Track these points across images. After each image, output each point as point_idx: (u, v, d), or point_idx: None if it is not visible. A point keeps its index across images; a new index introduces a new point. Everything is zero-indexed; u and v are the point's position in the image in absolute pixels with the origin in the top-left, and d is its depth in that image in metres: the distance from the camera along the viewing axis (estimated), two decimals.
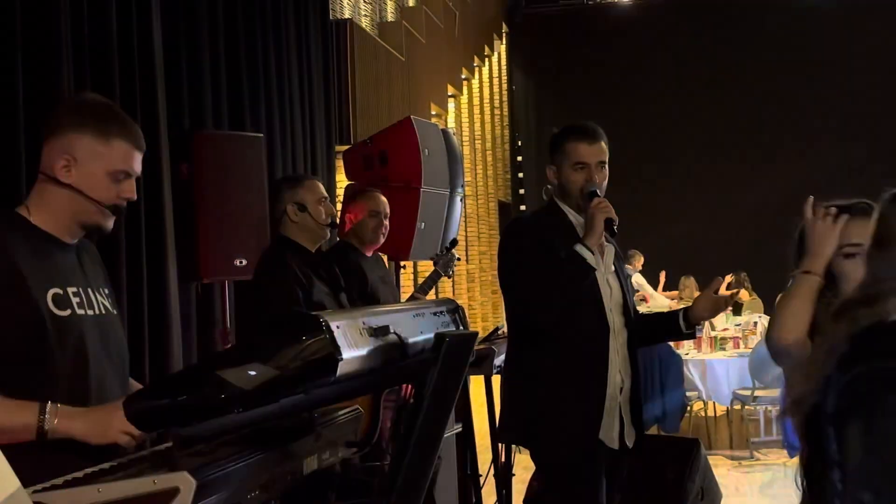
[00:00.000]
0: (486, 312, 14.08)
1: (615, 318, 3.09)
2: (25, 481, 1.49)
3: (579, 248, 2.97)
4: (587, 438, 3.02)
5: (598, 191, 3.08)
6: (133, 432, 1.96)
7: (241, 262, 4.89)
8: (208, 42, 5.48)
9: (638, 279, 11.63)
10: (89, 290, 2.20)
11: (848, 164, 15.22)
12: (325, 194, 3.95)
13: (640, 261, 12.03)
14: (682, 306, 3.91)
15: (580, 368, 3.04)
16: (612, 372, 3.05)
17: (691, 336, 3.32)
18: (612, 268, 3.17)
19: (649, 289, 12.22)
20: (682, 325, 3.18)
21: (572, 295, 3.01)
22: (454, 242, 5.31)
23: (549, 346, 3.08)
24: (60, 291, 2.11)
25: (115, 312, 2.29)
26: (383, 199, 4.45)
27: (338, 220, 4.18)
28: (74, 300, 2.14)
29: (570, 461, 3.05)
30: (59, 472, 1.77)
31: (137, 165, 2.20)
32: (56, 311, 2.09)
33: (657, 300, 11.83)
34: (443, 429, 2.08)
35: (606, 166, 3.16)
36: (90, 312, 2.17)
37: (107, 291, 2.30)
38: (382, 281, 4.37)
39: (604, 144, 3.15)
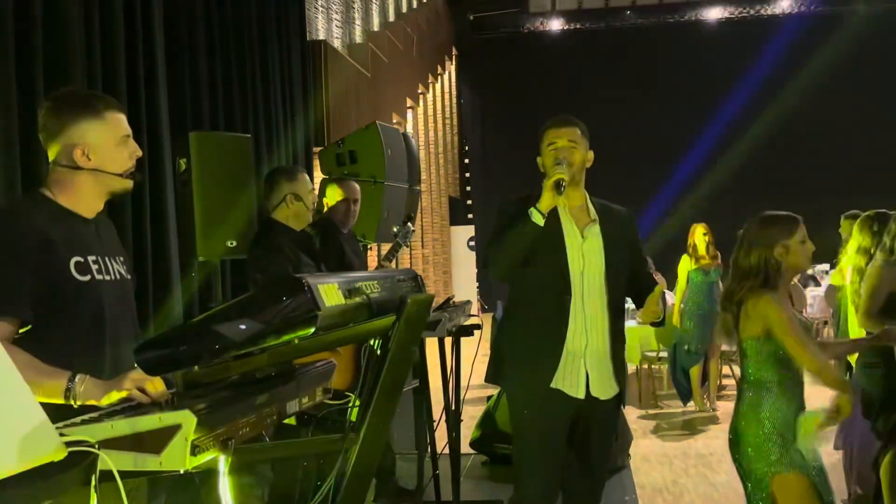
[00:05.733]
0: (438, 290, 14.10)
1: (588, 284, 2.92)
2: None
3: (531, 210, 2.82)
4: (539, 385, 2.90)
5: (562, 163, 2.85)
6: (145, 388, 1.85)
7: (231, 244, 4.84)
8: (205, 57, 5.41)
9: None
10: (107, 259, 2.16)
11: (762, 174, 15.41)
12: (312, 185, 3.95)
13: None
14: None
15: (539, 324, 2.93)
16: (575, 331, 2.91)
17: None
18: (599, 241, 2.97)
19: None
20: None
21: (510, 250, 2.88)
22: (409, 217, 5.31)
23: (518, 302, 3.03)
24: (82, 259, 2.08)
25: (128, 278, 2.25)
26: (356, 186, 4.42)
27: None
28: (94, 267, 2.10)
29: (524, 402, 2.97)
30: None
31: (127, 125, 2.19)
32: (78, 277, 2.05)
33: None
34: (405, 376, 2.08)
35: (581, 147, 2.95)
36: (107, 278, 2.14)
37: (122, 259, 2.26)
38: (355, 254, 4.37)
39: (574, 129, 2.96)
